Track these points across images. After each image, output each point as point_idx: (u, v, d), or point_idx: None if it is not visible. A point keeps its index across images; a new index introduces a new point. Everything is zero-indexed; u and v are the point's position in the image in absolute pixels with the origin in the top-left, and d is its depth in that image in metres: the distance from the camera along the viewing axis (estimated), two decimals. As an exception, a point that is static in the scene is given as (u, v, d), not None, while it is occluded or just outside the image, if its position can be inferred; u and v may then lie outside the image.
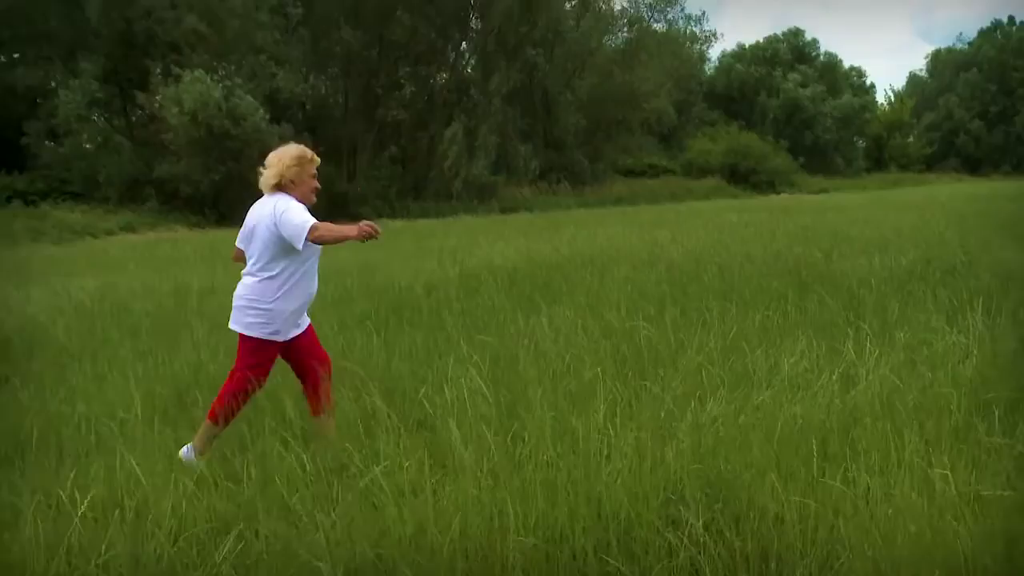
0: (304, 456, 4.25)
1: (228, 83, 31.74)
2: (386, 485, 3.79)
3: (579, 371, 5.42)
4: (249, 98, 31.80)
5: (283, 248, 4.74)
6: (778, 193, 51.44)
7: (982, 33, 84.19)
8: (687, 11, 64.56)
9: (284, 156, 4.85)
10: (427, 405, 4.81)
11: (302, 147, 4.95)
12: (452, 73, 44.27)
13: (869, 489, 3.61)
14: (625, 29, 52.59)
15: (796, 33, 71.86)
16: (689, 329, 6.70)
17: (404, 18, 39.33)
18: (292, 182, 4.83)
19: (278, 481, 4.03)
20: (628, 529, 3.44)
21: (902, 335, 6.35)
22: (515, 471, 3.89)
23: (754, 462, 3.90)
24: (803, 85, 65.51)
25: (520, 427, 4.45)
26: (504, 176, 42.49)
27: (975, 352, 5.81)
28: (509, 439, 4.25)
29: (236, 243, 5.13)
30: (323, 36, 38.45)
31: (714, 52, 71.83)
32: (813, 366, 5.55)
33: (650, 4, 53.02)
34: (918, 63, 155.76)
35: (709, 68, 68.98)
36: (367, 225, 4.47)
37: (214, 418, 4.74)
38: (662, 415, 4.53)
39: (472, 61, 45.36)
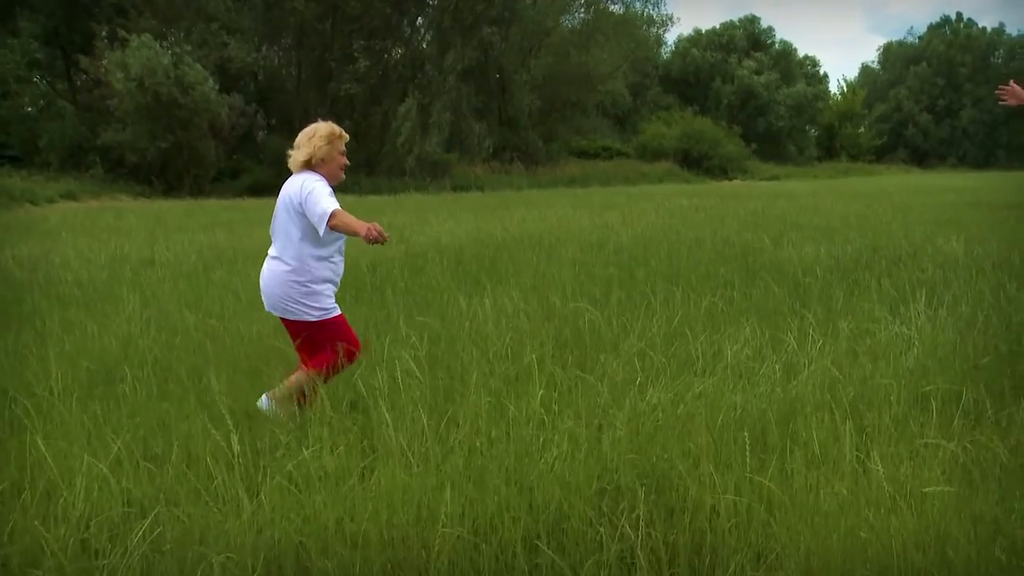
0: (232, 436, 4.08)
1: (177, 50, 31.00)
2: (313, 469, 3.66)
3: (519, 355, 5.31)
4: (198, 67, 31.10)
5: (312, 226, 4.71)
6: (730, 179, 51.77)
7: (931, 28, 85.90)
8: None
9: (315, 136, 4.83)
10: (361, 386, 4.66)
11: (331, 125, 4.92)
12: (407, 48, 43.71)
13: (806, 483, 3.55)
14: (582, 10, 52.45)
15: (752, 20, 72.28)
16: (634, 313, 6.63)
17: (360, -10, 38.76)
18: (322, 160, 4.84)
19: (208, 462, 3.86)
20: (559, 520, 3.34)
21: (846, 324, 6.33)
22: (446, 457, 3.78)
23: (692, 452, 3.82)
24: (757, 72, 65.97)
25: (456, 411, 4.33)
26: (457, 154, 42.17)
27: (916, 343, 5.81)
28: (443, 424, 4.13)
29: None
30: (276, 5, 37.68)
31: (670, 36, 71.98)
32: (756, 354, 5.51)
33: (608, -15, 52.88)
34: (870, 55, 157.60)
35: (665, 52, 69.15)
36: (375, 228, 4.36)
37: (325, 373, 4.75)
38: (600, 402, 4.44)
39: (428, 37, 44.82)
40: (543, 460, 3.73)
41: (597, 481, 3.65)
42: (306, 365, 4.86)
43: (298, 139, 4.88)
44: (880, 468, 3.49)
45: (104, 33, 32.71)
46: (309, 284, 4.76)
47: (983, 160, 78.99)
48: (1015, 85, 5.59)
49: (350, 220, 4.48)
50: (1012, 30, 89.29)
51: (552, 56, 48.41)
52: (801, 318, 6.62)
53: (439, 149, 39.94)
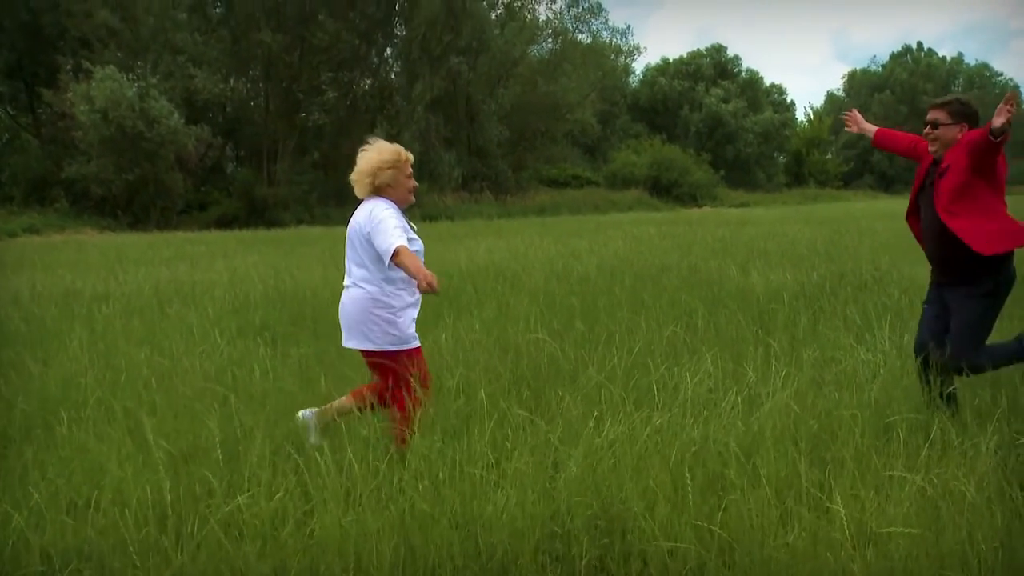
0: (165, 483, 3.85)
1: (142, 83, 30.74)
2: (247, 517, 3.45)
3: (474, 391, 5.11)
4: (163, 101, 30.84)
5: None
6: (700, 206, 51.98)
7: (893, 56, 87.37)
8: (612, 23, 64.85)
9: (378, 159, 4.61)
10: (305, 426, 4.45)
11: (397, 147, 4.71)
12: (375, 79, 43.74)
13: (764, 525, 3.38)
14: (550, 40, 52.70)
15: (719, 49, 72.98)
16: (594, 344, 6.47)
17: (327, 23, 38.62)
18: (388, 185, 4.64)
19: (137, 510, 3.63)
20: (505, 568, 3.15)
21: (810, 353, 6.21)
22: (389, 501, 3.58)
23: (649, 492, 3.65)
24: (725, 100, 66.50)
25: (405, 451, 4.13)
26: (427, 184, 42.03)
27: (882, 370, 5.68)
28: (385, 465, 3.92)
29: None
30: (243, 37, 37.56)
31: (638, 65, 72.35)
32: (718, 385, 5.36)
33: (575, 15, 53.22)
34: (835, 83, 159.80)
35: (633, 81, 69.56)
36: (429, 278, 4.16)
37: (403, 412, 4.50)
38: (554, 439, 4.26)
39: (396, 68, 44.87)
40: (492, 503, 3.55)
41: (549, 523, 3.47)
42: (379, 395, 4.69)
43: (360, 162, 4.65)
44: (841, 509, 3.32)
45: (69, 66, 32.45)
46: (392, 309, 4.56)
47: (947, 185, 79.91)
48: (856, 112, 5.80)
49: (412, 263, 4.26)
50: (970, 59, 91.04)
51: (520, 86, 48.58)
52: (766, 347, 6.49)
53: (410, 179, 39.75)
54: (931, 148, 4.96)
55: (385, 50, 44.43)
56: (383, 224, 4.40)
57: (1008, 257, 4.86)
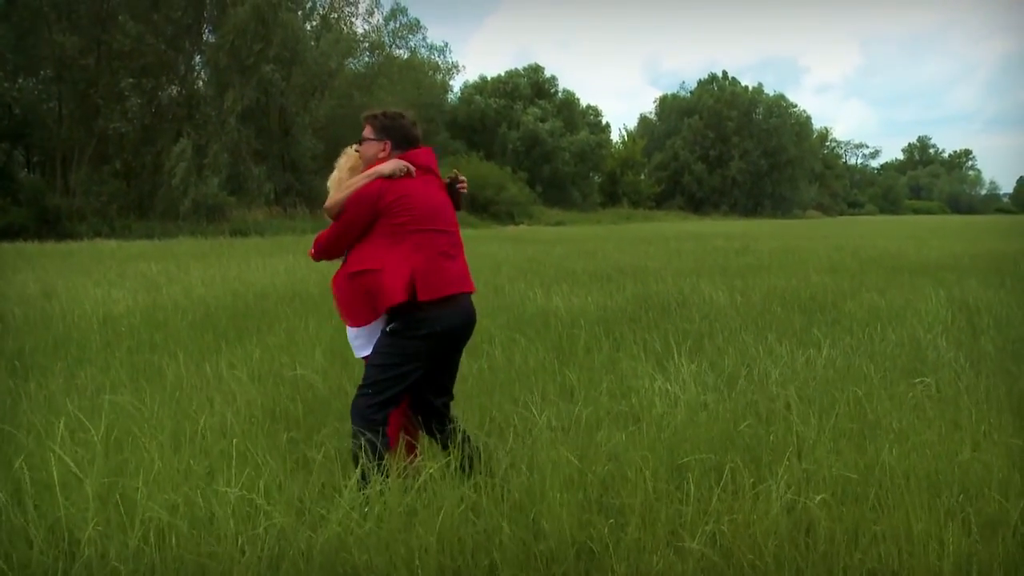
0: None
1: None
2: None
3: (229, 434, 4.49)
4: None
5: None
6: (516, 224, 52.41)
7: (701, 84, 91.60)
8: (430, 41, 64.67)
9: (341, 172, 4.45)
10: (25, 477, 3.70)
11: (349, 156, 4.49)
12: (183, 87, 41.60)
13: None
14: (367, 54, 52.02)
15: (536, 69, 74.03)
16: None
17: (128, 25, 36.30)
18: None
19: None
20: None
21: (607, 384, 5.94)
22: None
23: (417, 552, 3.18)
24: (542, 120, 67.50)
25: (129, 514, 3.48)
26: (236, 198, 40.29)
27: (681, 401, 5.44)
28: (84, 541, 3.26)
29: None
30: (30, 33, 34.68)
31: (457, 83, 72.16)
32: (508, 423, 4.96)
33: (393, 31, 52.77)
34: (648, 106, 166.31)
35: (452, 99, 69.53)
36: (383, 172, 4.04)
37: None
38: (317, 491, 3.73)
39: (204, 75, 42.85)
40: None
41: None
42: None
43: (330, 184, 4.45)
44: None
45: None
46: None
47: (751, 208, 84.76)
48: None
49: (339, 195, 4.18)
50: (770, 90, 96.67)
51: (336, 99, 47.58)
52: (562, 378, 6.19)
53: (219, 192, 37.91)
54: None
55: (193, 57, 42.28)
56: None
57: (431, 304, 4.07)
